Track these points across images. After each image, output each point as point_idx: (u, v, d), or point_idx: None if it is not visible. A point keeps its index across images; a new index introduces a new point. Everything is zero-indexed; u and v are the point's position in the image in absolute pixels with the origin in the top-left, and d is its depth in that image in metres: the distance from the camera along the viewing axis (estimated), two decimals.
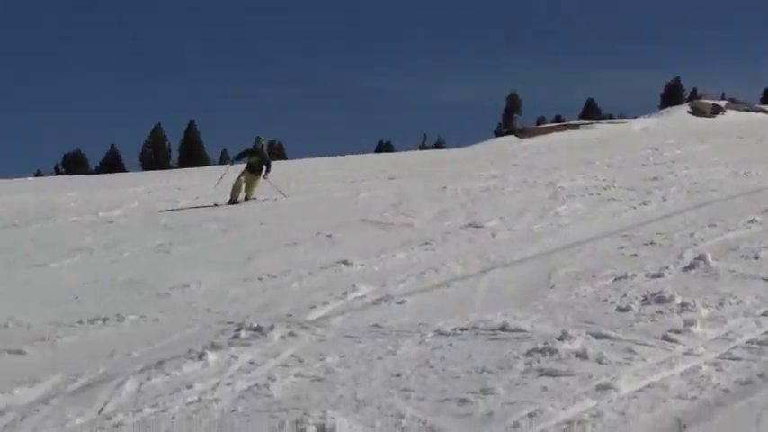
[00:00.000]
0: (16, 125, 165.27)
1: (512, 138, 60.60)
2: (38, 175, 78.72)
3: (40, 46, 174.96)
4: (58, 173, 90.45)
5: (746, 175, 24.25)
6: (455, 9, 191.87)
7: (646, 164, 30.88)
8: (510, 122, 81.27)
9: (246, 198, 26.59)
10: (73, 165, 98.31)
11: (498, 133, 79.80)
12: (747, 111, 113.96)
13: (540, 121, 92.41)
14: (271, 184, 27.16)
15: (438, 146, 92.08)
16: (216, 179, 29.53)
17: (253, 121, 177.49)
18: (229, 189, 26.82)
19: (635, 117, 79.06)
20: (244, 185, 26.74)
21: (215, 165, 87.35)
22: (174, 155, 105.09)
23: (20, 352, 10.41)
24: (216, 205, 26.03)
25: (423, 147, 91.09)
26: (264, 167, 27.13)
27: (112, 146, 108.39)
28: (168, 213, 24.75)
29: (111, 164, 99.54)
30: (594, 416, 6.52)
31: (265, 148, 28.67)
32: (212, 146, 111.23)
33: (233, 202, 26.08)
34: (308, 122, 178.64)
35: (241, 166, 27.80)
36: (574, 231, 16.63)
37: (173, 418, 7.47)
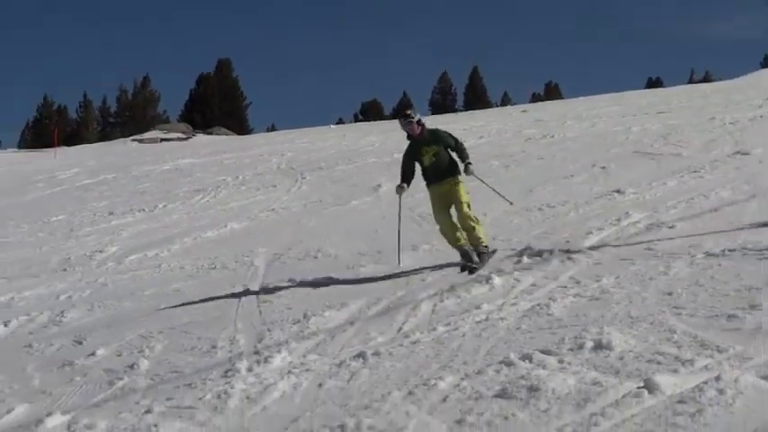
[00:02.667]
0: (319, 80, 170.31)
1: None
2: (339, 122, 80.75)
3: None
4: (356, 120, 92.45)
5: None
6: None
7: None
8: None
9: (475, 246, 11.13)
10: (369, 112, 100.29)
11: (764, 65, 76.10)
12: None
13: None
14: (489, 187, 12.70)
15: (706, 79, 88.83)
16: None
17: (526, 64, 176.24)
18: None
19: None
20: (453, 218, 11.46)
21: (496, 106, 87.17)
22: (460, 98, 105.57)
23: (328, 280, 10.83)
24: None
25: (691, 81, 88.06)
26: (453, 158, 11.68)
27: (404, 93, 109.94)
28: None
29: (404, 109, 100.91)
30: None
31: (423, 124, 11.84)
32: (494, 89, 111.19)
33: (465, 255, 11.10)
34: (581, 62, 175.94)
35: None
36: None
37: (463, 335, 7.64)
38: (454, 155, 11.49)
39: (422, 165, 11.63)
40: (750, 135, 20.36)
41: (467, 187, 11.29)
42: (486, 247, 10.96)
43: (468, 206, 11.09)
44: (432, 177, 11.47)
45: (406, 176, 11.75)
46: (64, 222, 19.49)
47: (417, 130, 11.60)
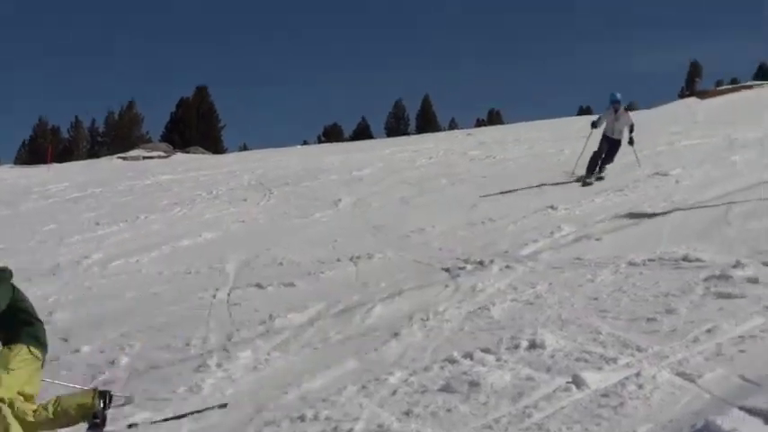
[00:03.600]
0: (286, 105, 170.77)
1: (693, 99, 58.15)
2: (305, 143, 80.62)
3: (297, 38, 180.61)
4: (320, 141, 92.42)
5: None
6: None
7: None
8: (692, 86, 78.39)
9: None
10: (331, 134, 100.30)
11: (681, 95, 76.93)
12: None
13: (719, 83, 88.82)
14: None
15: (630, 108, 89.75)
16: None
17: (476, 91, 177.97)
18: None
19: None
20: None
21: (444, 130, 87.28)
22: (413, 123, 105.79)
23: (292, 285, 10.76)
24: None
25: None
26: (17, 318, 6.38)
27: (363, 117, 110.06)
28: (407, 171, 24.94)
29: (362, 132, 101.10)
30: (764, 331, 6.33)
31: None
32: (443, 115, 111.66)
33: None
34: (520, 91, 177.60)
35: None
36: (747, 176, 15.99)
37: (412, 335, 7.63)
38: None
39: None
40: (667, 158, 20.52)
41: (24, 360, 6.27)
42: None
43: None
44: None
45: None
46: (55, 231, 19.21)
47: None
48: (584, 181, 17.88)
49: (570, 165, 19.81)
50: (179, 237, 16.30)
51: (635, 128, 18.96)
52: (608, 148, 18.59)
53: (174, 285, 11.97)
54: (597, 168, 18.30)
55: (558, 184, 18.12)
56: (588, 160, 18.48)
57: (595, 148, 18.61)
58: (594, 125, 19.09)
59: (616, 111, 18.73)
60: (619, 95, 18.75)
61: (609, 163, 18.57)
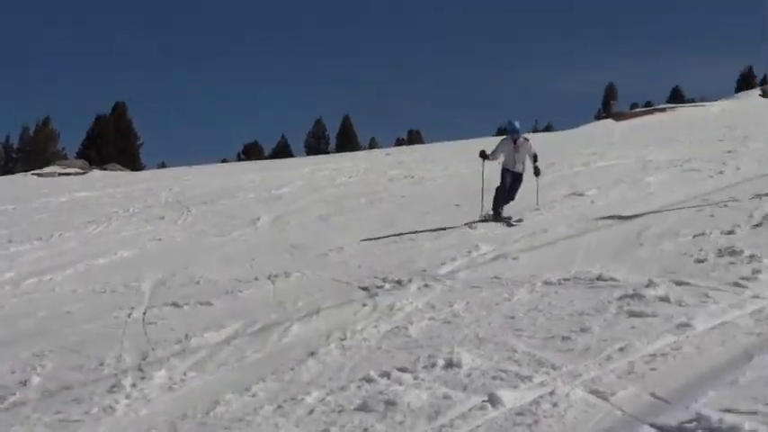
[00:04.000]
0: (205, 122, 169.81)
1: (609, 121, 59.19)
2: (224, 161, 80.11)
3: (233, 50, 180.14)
4: (239, 159, 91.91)
5: None
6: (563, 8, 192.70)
7: (722, 139, 29.94)
8: (608, 108, 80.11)
9: None
10: (251, 152, 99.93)
11: (598, 117, 78.29)
12: None
13: (634, 106, 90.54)
14: None
15: (547, 129, 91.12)
16: None
17: (392, 114, 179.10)
18: None
19: (714, 101, 75.90)
20: None
21: (365, 149, 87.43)
22: (333, 142, 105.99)
23: (209, 303, 10.65)
24: None
25: (535, 130, 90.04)
26: None
27: (283, 135, 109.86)
28: (327, 190, 24.94)
29: (282, 150, 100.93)
30: (675, 349, 6.42)
31: None
32: (363, 134, 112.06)
33: None
34: (440, 112, 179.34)
35: None
36: (660, 197, 16.31)
37: (329, 354, 7.60)
38: None
39: None
40: (583, 178, 20.86)
41: None
42: None
43: None
44: None
45: None
46: None
47: None
48: (501, 220, 15.61)
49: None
50: (94, 255, 16.06)
51: (539, 157, 16.56)
52: (511, 182, 16.28)
53: (88, 304, 11.76)
54: (501, 209, 16.05)
55: (481, 221, 18.20)
56: (493, 198, 16.18)
57: (498, 183, 16.36)
58: (485, 156, 16.75)
59: (515, 141, 16.27)
60: (517, 124, 16.39)
61: (510, 201, 16.29)
